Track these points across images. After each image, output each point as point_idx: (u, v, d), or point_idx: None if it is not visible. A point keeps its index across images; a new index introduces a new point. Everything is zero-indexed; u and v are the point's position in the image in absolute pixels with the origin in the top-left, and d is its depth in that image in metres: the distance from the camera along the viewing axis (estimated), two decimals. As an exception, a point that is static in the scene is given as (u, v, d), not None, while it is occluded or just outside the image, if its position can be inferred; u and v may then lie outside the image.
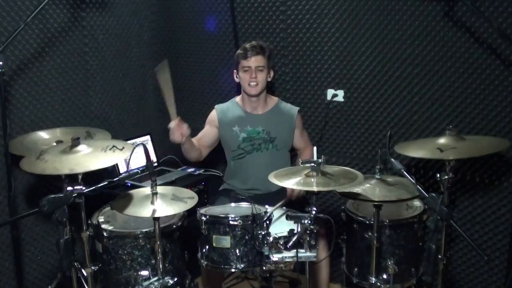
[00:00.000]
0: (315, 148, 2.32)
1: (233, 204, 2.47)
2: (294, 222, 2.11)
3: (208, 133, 3.02)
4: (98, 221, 2.47)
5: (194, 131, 3.29)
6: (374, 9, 2.81)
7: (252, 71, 2.82)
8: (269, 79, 2.90)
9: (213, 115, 3.02)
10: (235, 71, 2.93)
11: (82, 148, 2.26)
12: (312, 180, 2.13)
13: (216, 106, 3.04)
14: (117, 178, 2.16)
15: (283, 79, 3.20)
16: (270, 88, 3.06)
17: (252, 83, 2.84)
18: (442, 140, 2.33)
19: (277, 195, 2.80)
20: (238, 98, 3.03)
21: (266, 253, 2.15)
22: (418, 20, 2.70)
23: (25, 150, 2.47)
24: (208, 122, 3.04)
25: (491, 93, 2.62)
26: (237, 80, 2.93)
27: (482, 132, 2.65)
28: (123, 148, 2.28)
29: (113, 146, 2.27)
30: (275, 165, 2.53)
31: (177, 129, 2.72)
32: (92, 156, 2.22)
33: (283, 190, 2.59)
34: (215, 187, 3.14)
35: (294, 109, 2.97)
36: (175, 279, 2.31)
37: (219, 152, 3.11)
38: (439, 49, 2.69)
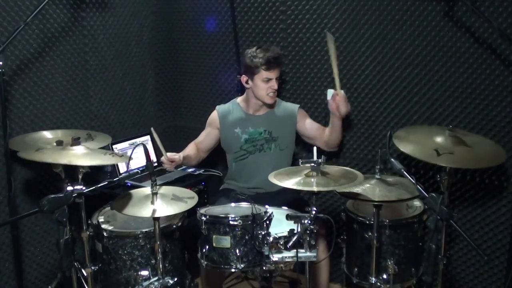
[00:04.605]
0: (315, 148, 2.32)
1: (233, 204, 2.47)
2: (294, 222, 2.11)
3: (209, 136, 3.02)
4: (98, 221, 2.48)
5: (194, 131, 3.31)
6: (374, 9, 2.81)
7: (274, 83, 2.83)
8: None
9: (214, 116, 3.02)
10: (244, 76, 2.89)
11: (82, 148, 2.27)
12: (312, 180, 2.13)
13: (217, 108, 3.04)
14: (117, 178, 2.16)
15: (283, 79, 3.20)
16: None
17: (271, 94, 2.84)
18: (441, 139, 2.31)
19: (279, 195, 2.81)
20: (239, 99, 3.02)
21: (266, 253, 2.15)
22: (418, 20, 2.70)
23: (25, 147, 2.48)
24: (209, 124, 3.04)
25: (491, 93, 2.62)
26: (247, 86, 2.89)
27: (482, 133, 2.65)
28: (122, 156, 2.29)
29: (113, 152, 2.30)
30: (279, 165, 2.53)
31: (168, 163, 2.80)
32: (91, 154, 2.23)
33: (285, 190, 2.59)
34: (215, 187, 3.14)
35: (295, 107, 2.97)
36: (175, 279, 2.31)
37: (219, 152, 3.11)
38: (439, 49, 2.69)
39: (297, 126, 2.96)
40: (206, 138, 3.02)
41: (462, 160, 2.24)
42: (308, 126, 2.95)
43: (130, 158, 2.19)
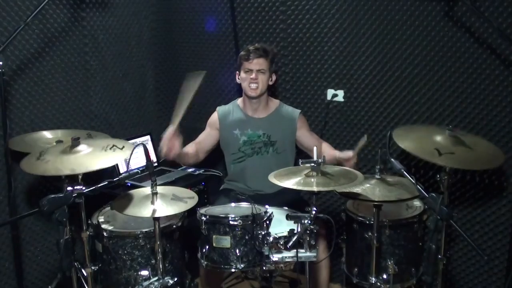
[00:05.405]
0: (315, 148, 2.32)
1: (233, 204, 2.47)
2: (294, 222, 2.11)
3: (209, 136, 3.01)
4: (98, 221, 2.47)
5: (194, 131, 3.30)
6: (374, 9, 2.81)
7: (253, 73, 2.82)
8: (270, 83, 2.89)
9: (214, 117, 3.02)
10: (237, 72, 2.93)
11: (82, 148, 2.26)
12: (312, 180, 2.13)
13: (217, 108, 3.04)
14: (117, 178, 2.16)
15: (283, 79, 3.20)
16: (270, 89, 3.05)
17: (252, 85, 2.83)
18: (440, 139, 2.30)
19: (279, 195, 2.81)
20: (239, 101, 3.02)
21: (266, 253, 2.15)
22: (418, 20, 2.70)
23: (25, 147, 2.48)
24: (209, 125, 3.03)
25: (491, 93, 2.62)
26: (238, 81, 2.92)
27: (482, 133, 2.65)
28: (123, 147, 2.28)
29: (113, 146, 2.27)
30: (276, 169, 2.53)
31: (168, 142, 2.61)
32: (92, 156, 2.22)
33: (285, 191, 2.59)
34: (215, 187, 3.14)
35: (296, 112, 2.96)
36: (175, 279, 2.31)
37: (219, 152, 3.10)
38: (439, 49, 2.69)
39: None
40: (206, 138, 3.02)
41: (463, 161, 2.23)
42: (305, 135, 2.93)
43: (131, 153, 2.19)
